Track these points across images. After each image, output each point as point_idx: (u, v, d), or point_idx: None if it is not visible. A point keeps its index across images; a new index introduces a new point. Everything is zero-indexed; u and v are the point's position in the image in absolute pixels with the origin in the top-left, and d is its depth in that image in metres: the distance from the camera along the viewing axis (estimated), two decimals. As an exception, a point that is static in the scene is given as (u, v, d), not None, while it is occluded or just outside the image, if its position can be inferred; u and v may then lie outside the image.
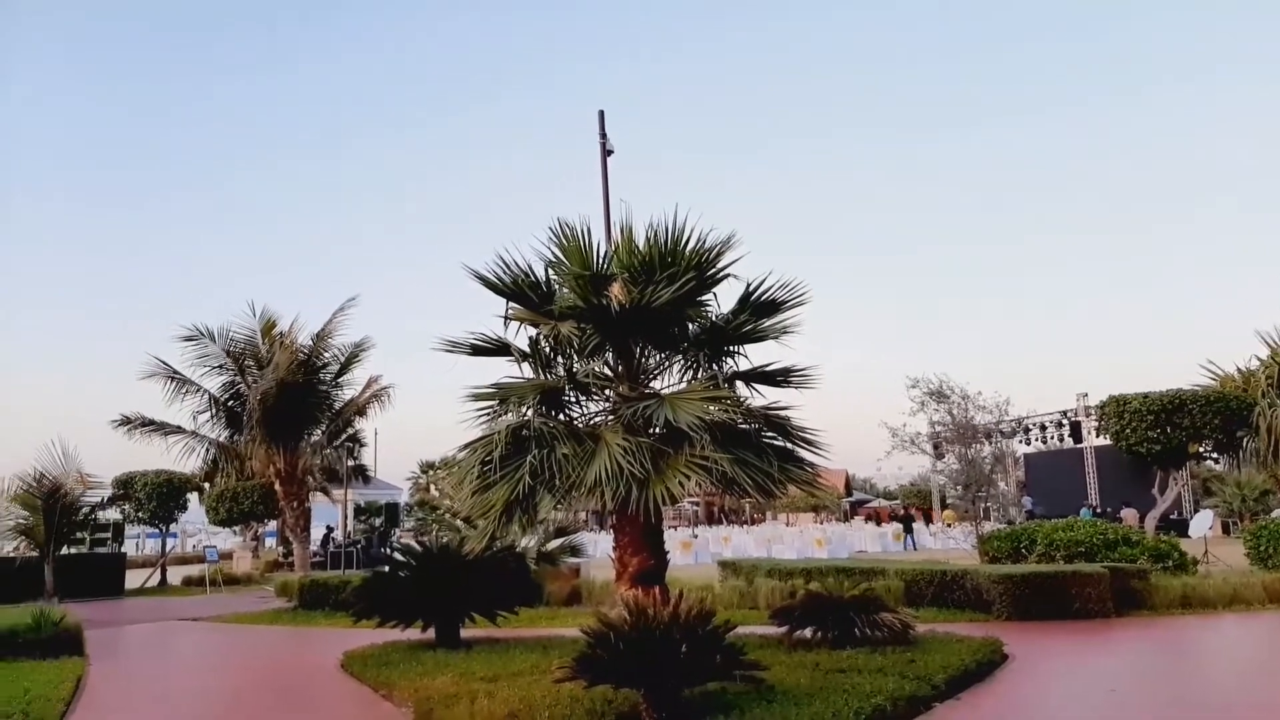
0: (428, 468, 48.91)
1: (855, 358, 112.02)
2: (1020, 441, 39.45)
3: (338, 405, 23.62)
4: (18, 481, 20.50)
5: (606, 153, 16.36)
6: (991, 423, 21.08)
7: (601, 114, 16.88)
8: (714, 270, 8.71)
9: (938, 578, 13.84)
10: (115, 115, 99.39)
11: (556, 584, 15.99)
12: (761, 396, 9.11)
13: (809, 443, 8.65)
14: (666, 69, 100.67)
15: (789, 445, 8.68)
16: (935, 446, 23.29)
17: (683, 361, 9.17)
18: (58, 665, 10.48)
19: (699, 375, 9.07)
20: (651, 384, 9.04)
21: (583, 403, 9.00)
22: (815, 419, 8.76)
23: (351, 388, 23.80)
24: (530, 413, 8.47)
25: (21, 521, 20.57)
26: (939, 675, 8.09)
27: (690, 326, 9.03)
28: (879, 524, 42.13)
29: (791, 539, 33.92)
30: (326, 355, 22.96)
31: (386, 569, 12.53)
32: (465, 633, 11.61)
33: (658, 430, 8.13)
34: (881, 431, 20.94)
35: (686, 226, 8.46)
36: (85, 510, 22.46)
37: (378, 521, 34.97)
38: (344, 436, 25.26)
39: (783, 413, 8.75)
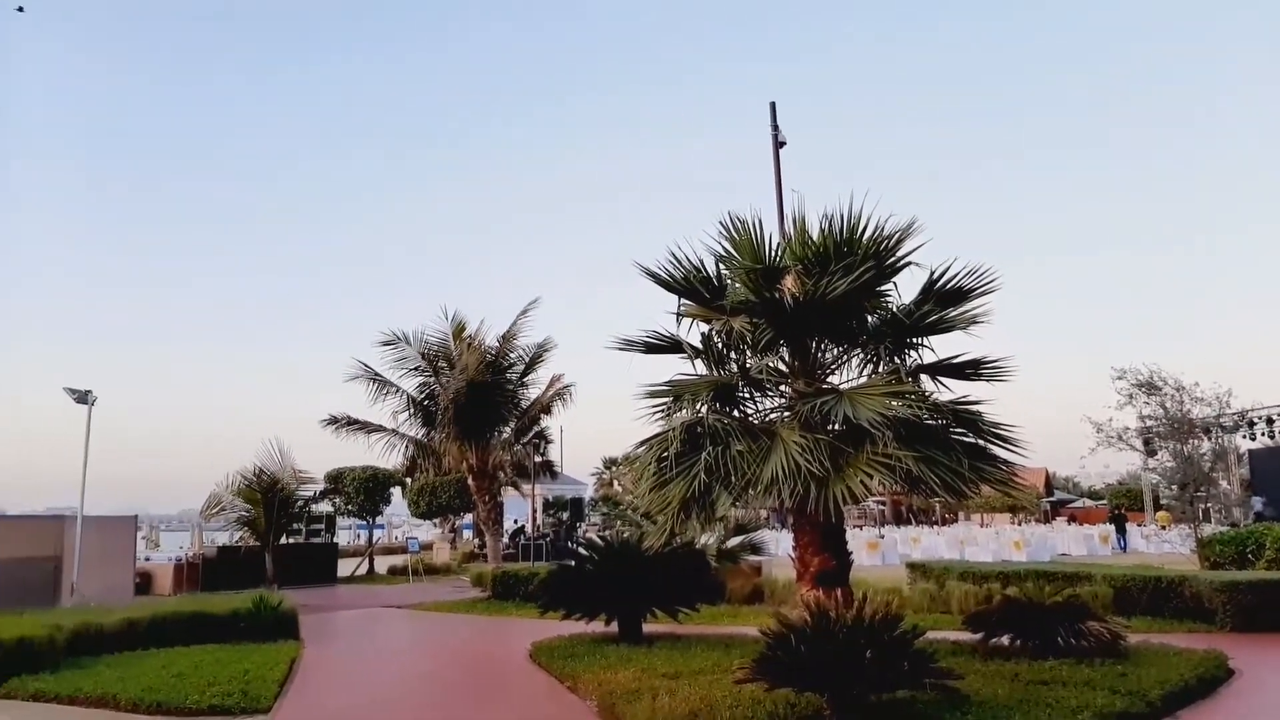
0: (611, 464, 49.86)
1: (1055, 348, 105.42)
2: (1244, 436, 35.70)
3: (524, 404, 24.41)
4: (240, 477, 22.43)
5: (779, 145, 16.07)
6: (1210, 416, 19.18)
7: (773, 106, 16.61)
8: (893, 259, 8.31)
9: (1151, 584, 12.78)
10: (313, 144, 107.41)
11: (738, 582, 15.88)
12: (949, 391, 8.62)
13: (1002, 439, 8.10)
14: (842, 60, 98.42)
15: (980, 442, 8.16)
16: (1146, 442, 21.42)
17: (861, 355, 8.80)
18: (274, 648, 11.35)
19: (879, 369, 8.69)
20: (829, 379, 8.75)
21: (757, 399, 8.81)
22: (1010, 414, 8.19)
23: (536, 386, 24.55)
24: (704, 409, 8.38)
25: (245, 514, 22.50)
26: (1154, 691, 7.43)
27: (869, 318, 8.66)
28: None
29: (986, 540, 32.21)
30: (512, 356, 23.77)
31: (571, 563, 12.82)
32: (647, 628, 11.72)
33: (836, 427, 7.85)
34: (1085, 427, 19.51)
35: (863, 215, 8.13)
36: (300, 503, 24.31)
37: (564, 516, 35.97)
38: (531, 433, 26.07)
39: (973, 407, 8.23)
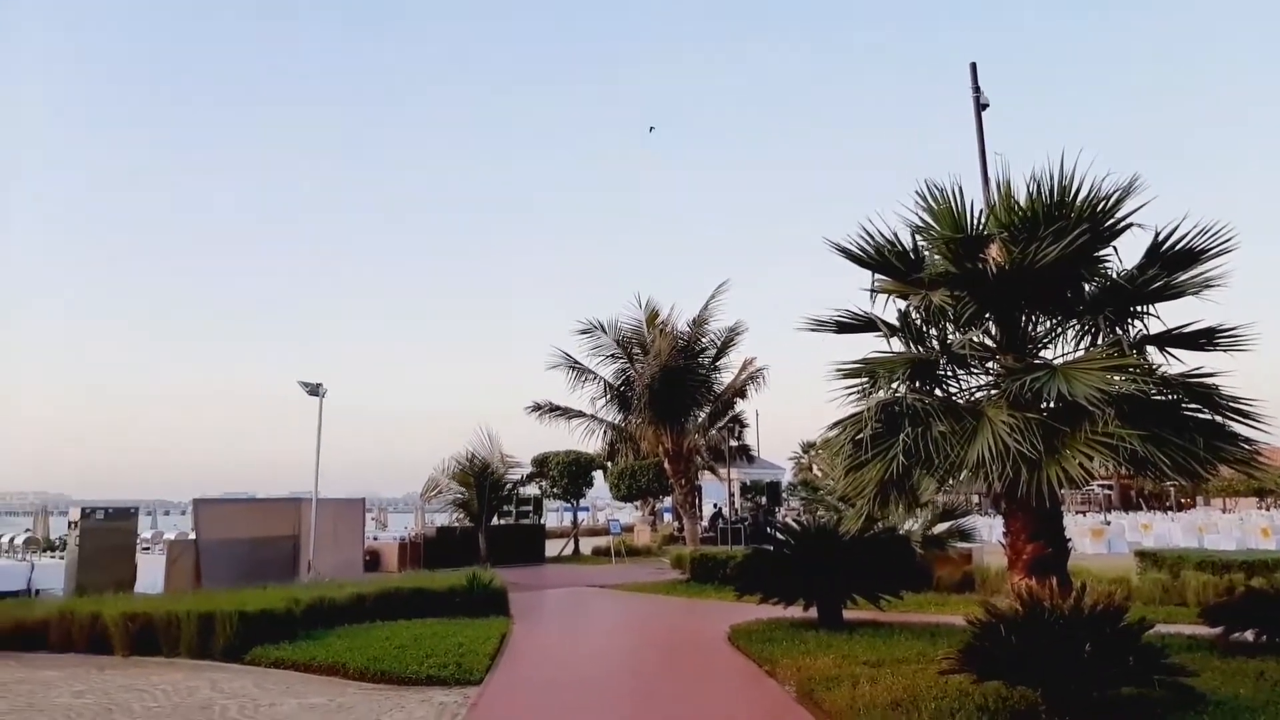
0: (808, 447, 49.12)
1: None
2: None
3: (717, 388, 24.45)
4: (455, 462, 23.80)
5: (980, 107, 15.15)
6: None
7: (974, 66, 15.64)
8: (1111, 221, 7.64)
9: None
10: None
11: (945, 569, 15.24)
12: (1179, 363, 7.85)
13: (1243, 415, 7.29)
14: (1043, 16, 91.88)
15: (1217, 418, 7.38)
16: None
17: (1077, 326, 8.16)
18: (486, 623, 11.93)
19: (1098, 341, 8.02)
20: (1040, 353, 8.17)
21: (960, 377, 8.36)
22: (1253, 387, 7.35)
23: (729, 370, 24.53)
24: (902, 389, 8.03)
25: (459, 496, 23.87)
26: None
27: (1085, 286, 8.02)
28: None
29: (1228, 527, 29.30)
30: (704, 340, 23.86)
31: (768, 547, 12.70)
32: (847, 614, 11.44)
33: (1050, 405, 7.33)
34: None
35: (1074, 175, 7.52)
36: (509, 486, 25.50)
37: (762, 500, 35.77)
38: (726, 418, 26.09)
39: (1208, 380, 7.46)
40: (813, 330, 8.76)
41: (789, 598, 11.51)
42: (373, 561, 22.46)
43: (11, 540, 23.20)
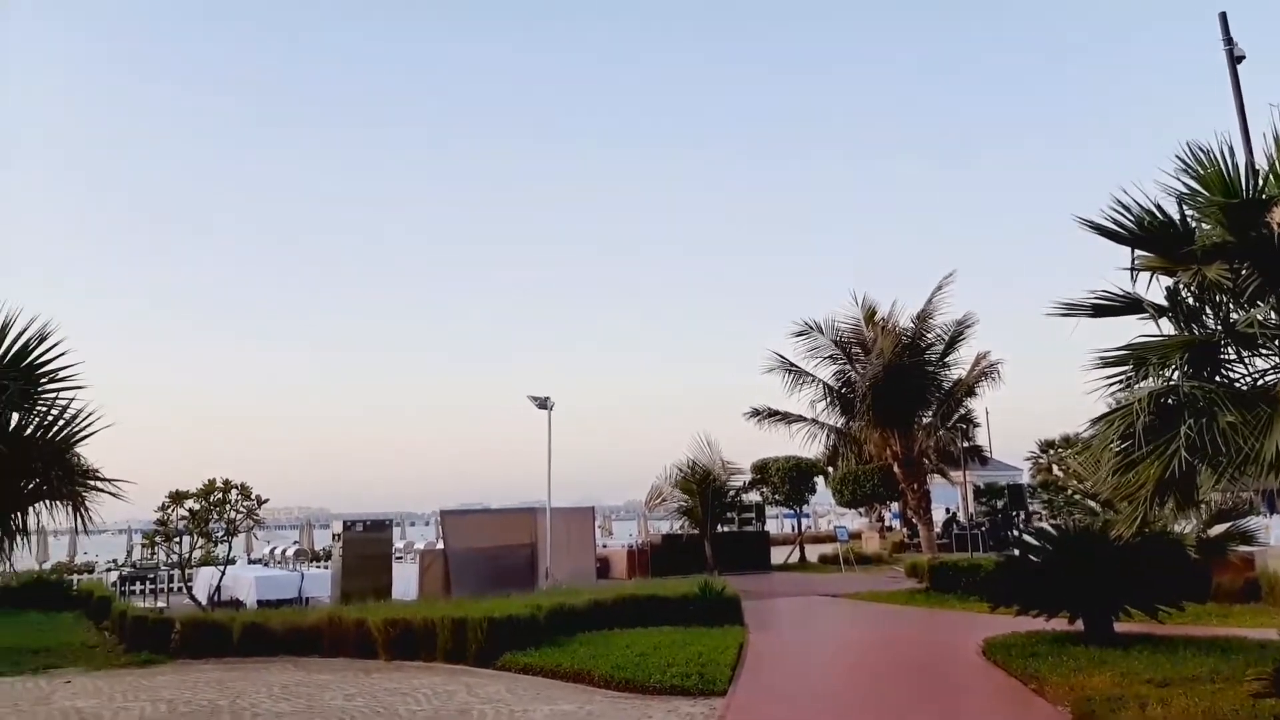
0: (1047, 447, 45.89)
1: None
2: None
3: (946, 385, 23.28)
4: (676, 470, 24.02)
5: (1235, 60, 13.59)
6: None
7: (1223, 16, 14.09)
8: None
9: None
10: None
11: (1225, 576, 13.70)
12: None
13: None
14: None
15: None
16: None
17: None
18: (721, 632, 11.82)
19: None
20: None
21: (1247, 360, 7.40)
22: None
23: (959, 367, 23.29)
24: (1176, 376, 7.20)
25: (683, 504, 24.05)
26: None
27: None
28: None
29: None
30: (929, 336, 22.78)
31: (1016, 553, 11.85)
32: (1117, 627, 10.45)
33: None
34: None
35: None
36: (731, 493, 25.42)
37: (999, 504, 33.74)
38: (956, 417, 24.80)
39: None
40: (1065, 315, 8.01)
41: (1052, 608, 10.64)
42: (603, 568, 22.97)
43: (283, 552, 25.73)
